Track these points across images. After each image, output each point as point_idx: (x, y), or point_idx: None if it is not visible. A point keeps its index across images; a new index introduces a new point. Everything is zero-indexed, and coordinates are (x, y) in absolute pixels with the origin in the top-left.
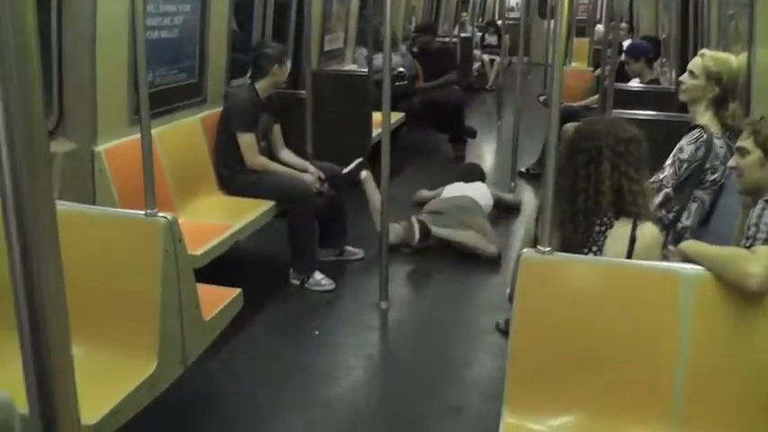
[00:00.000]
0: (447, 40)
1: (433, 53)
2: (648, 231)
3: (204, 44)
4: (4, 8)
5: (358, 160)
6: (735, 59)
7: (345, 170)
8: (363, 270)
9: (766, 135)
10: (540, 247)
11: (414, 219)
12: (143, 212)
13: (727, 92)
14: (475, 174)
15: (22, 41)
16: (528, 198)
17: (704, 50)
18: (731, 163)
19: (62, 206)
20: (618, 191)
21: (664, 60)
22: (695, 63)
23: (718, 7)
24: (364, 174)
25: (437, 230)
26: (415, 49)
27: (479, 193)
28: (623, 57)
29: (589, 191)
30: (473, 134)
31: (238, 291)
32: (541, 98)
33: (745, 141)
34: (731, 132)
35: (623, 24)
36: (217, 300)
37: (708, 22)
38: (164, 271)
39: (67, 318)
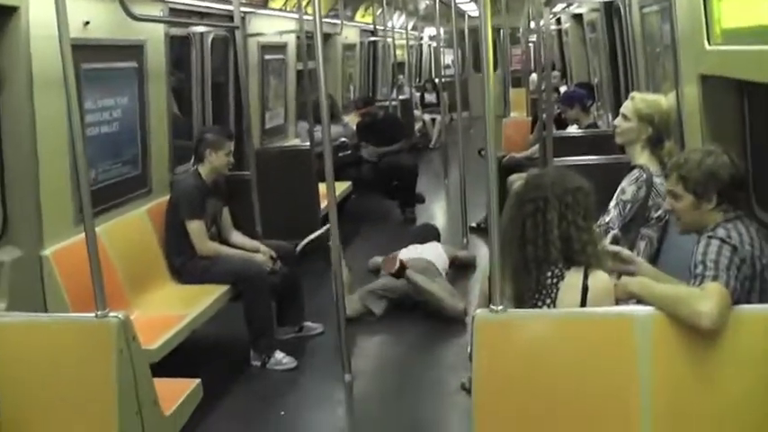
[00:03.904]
0: (386, 103)
1: (380, 122)
2: (600, 279)
3: (145, 135)
4: None
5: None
6: (665, 99)
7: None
8: (324, 344)
9: (694, 179)
10: (492, 306)
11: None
12: (93, 315)
13: (661, 131)
14: (430, 235)
15: None
16: (482, 253)
17: (634, 93)
18: (666, 206)
19: (10, 318)
20: (567, 240)
21: (599, 104)
22: (626, 106)
23: (644, 49)
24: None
25: (412, 274)
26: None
27: (435, 253)
28: (558, 105)
29: (538, 241)
30: (422, 200)
31: (197, 381)
32: (483, 152)
33: (675, 186)
34: None
35: (555, 72)
36: (176, 393)
37: (636, 64)
38: (119, 372)
39: None
